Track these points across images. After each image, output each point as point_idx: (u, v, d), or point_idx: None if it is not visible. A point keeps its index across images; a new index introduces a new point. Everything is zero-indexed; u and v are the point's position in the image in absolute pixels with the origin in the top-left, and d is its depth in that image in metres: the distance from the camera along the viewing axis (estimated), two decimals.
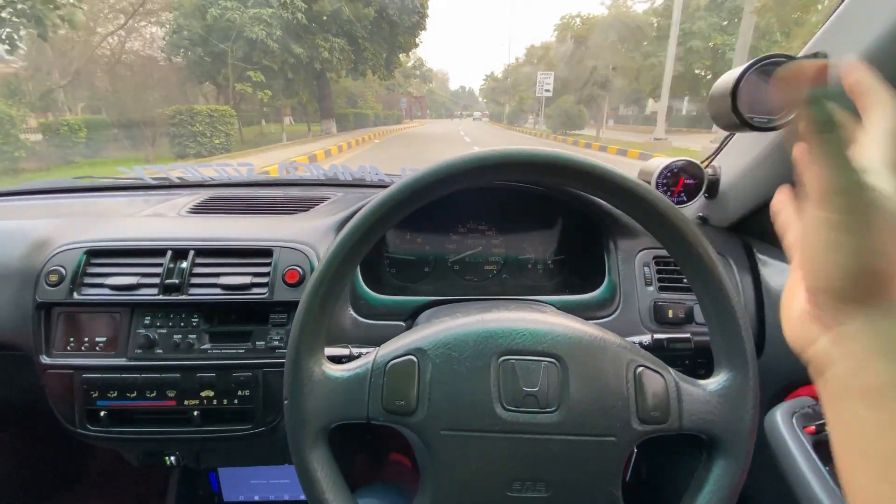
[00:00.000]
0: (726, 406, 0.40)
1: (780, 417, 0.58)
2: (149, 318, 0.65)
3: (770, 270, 0.69)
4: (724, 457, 0.41)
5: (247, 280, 0.64)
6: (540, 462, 0.40)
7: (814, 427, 0.56)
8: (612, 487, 0.40)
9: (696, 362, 0.67)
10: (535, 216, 0.87)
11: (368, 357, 0.43)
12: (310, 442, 0.41)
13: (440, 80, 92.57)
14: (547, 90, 22.19)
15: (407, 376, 0.41)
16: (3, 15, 5.82)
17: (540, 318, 0.44)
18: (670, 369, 0.42)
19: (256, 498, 1.13)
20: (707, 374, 0.43)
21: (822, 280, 0.26)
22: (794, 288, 0.30)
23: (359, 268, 0.71)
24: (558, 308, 0.67)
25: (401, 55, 18.54)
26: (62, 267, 0.64)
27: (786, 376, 0.64)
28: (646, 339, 0.59)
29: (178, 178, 1.01)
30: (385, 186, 0.42)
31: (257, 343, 0.65)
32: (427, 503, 0.41)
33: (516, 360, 0.41)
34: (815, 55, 0.53)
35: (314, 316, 0.42)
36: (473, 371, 0.41)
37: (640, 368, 0.41)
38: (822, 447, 0.53)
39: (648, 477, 1.02)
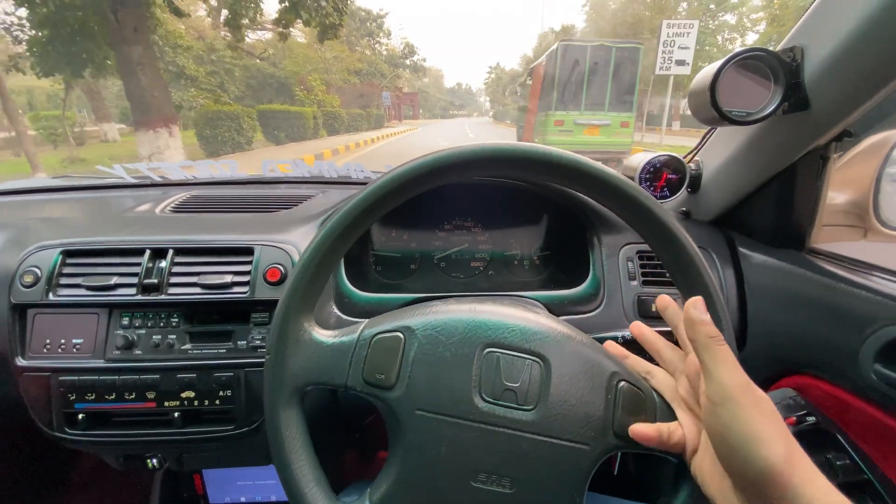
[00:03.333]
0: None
1: None
2: (127, 318, 0.63)
3: (752, 264, 0.70)
4: (691, 485, 0.40)
5: (227, 279, 0.63)
6: (509, 458, 0.40)
7: (794, 418, 0.56)
8: (576, 494, 0.40)
9: None
10: (521, 212, 0.87)
11: (356, 328, 0.44)
12: (284, 400, 0.41)
13: (434, 76, 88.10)
14: (683, 60, 9.59)
15: (391, 351, 0.42)
16: None
17: (532, 318, 0.44)
18: (655, 393, 0.42)
19: (243, 499, 1.12)
20: None
21: (747, 476, 0.32)
22: (706, 453, 0.37)
23: (343, 266, 0.70)
24: (544, 303, 0.67)
25: None
26: (37, 267, 0.63)
27: (766, 369, 0.64)
28: (629, 333, 0.59)
29: (160, 176, 0.99)
30: None
31: (238, 343, 0.64)
32: (390, 481, 0.41)
33: (501, 353, 0.41)
34: (793, 49, 0.54)
35: (310, 276, 0.42)
36: (457, 357, 0.41)
37: (623, 383, 0.41)
38: (802, 438, 0.54)
39: (635, 470, 1.03)
